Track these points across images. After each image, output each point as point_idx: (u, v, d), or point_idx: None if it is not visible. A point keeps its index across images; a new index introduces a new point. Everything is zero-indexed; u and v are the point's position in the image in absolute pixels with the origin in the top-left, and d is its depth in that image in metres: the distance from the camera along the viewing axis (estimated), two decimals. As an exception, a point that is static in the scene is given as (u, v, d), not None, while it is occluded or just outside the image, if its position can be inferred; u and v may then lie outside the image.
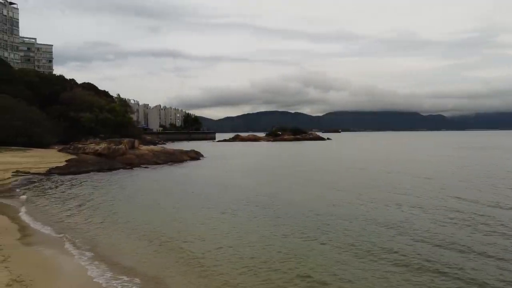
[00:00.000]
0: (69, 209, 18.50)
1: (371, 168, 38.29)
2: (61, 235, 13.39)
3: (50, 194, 23.10)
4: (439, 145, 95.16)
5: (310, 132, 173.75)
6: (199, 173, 36.39)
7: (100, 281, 9.39)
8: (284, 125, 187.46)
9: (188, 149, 57.08)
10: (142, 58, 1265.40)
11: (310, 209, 18.32)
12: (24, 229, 13.97)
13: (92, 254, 11.37)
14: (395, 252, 11.62)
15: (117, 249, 12.08)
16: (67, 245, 12.21)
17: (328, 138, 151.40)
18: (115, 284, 9.27)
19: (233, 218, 16.64)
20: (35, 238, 12.92)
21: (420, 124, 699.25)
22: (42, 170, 32.76)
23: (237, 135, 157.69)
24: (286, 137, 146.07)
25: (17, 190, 24.15)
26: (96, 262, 10.62)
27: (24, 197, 21.57)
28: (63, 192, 24.12)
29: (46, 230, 14.11)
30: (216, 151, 73.79)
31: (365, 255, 11.34)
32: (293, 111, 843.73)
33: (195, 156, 52.80)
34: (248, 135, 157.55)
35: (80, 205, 19.49)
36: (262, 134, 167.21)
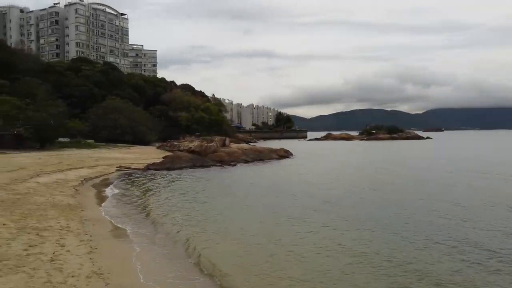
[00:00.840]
0: (155, 203, 19.44)
1: (473, 170, 34.23)
2: (142, 230, 13.99)
3: (142, 188, 24.66)
4: None
5: (407, 131, 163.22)
6: (285, 171, 36.08)
7: (177, 280, 9.45)
8: (379, 123, 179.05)
9: (278, 147, 57.28)
10: (236, 59, 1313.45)
11: (397, 216, 16.74)
12: (113, 221, 14.90)
13: (166, 251, 11.60)
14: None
15: (195, 247, 12.15)
16: (146, 239, 12.67)
17: (427, 137, 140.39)
18: (192, 284, 9.26)
19: (312, 221, 15.87)
20: (121, 231, 13.65)
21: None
22: (141, 166, 35.34)
23: (329, 133, 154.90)
24: (381, 136, 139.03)
25: (114, 183, 26.25)
26: (175, 260, 10.77)
27: (116, 191, 23.24)
28: (153, 186, 25.60)
29: (131, 223, 14.86)
30: (306, 150, 73.03)
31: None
32: (389, 109, 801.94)
33: (284, 154, 52.63)
34: (340, 134, 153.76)
35: (165, 199, 20.45)
36: (355, 133, 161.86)
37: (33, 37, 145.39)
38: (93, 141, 55.96)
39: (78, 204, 17.19)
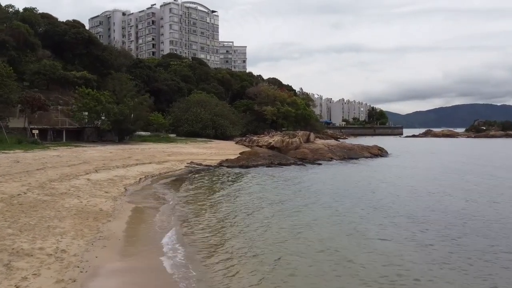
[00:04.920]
0: (207, 209, 15.30)
1: None
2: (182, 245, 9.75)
3: (200, 189, 20.86)
4: None
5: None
6: (383, 173, 29.70)
7: None
8: (486, 119, 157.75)
9: (371, 144, 50.48)
10: (326, 55, 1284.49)
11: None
12: (130, 246, 10.92)
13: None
14: None
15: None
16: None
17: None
18: None
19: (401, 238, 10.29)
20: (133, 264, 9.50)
21: None
22: (214, 162, 31.93)
23: (429, 130, 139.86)
24: (493, 133, 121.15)
25: (171, 182, 22.84)
26: None
27: (169, 195, 19.65)
28: (217, 187, 21.67)
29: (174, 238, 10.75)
30: (403, 148, 64.40)
31: None
32: (499, 103, 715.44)
33: (378, 152, 45.74)
34: (442, 131, 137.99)
35: (219, 203, 16.19)
36: (459, 130, 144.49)
37: (133, 37, 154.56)
38: (174, 135, 54.77)
39: (112, 211, 13.71)
